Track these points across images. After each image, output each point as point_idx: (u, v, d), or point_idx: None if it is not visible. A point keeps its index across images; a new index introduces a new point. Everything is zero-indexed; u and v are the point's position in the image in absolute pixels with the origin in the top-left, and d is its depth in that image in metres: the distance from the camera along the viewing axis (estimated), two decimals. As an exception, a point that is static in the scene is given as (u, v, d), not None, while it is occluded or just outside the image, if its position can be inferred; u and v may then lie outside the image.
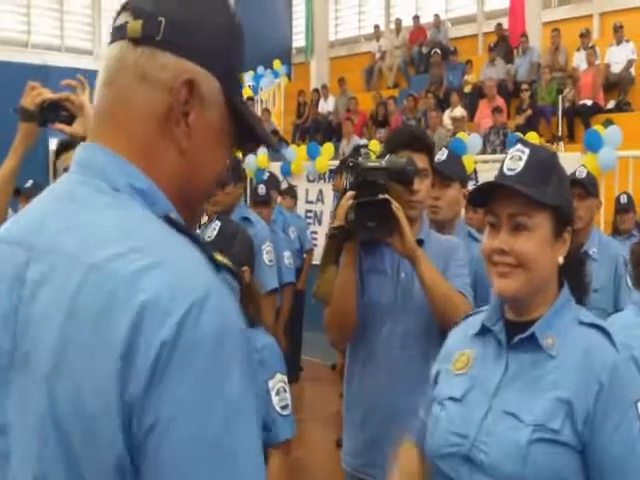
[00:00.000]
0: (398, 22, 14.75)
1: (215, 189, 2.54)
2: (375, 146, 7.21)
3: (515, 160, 1.51)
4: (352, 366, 2.47)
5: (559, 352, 1.48)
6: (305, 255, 6.95)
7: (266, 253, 3.67)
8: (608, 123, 8.52)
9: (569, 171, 3.50)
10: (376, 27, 15.20)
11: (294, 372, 6.41)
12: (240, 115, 0.96)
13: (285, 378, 2.31)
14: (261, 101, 14.32)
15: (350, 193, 2.29)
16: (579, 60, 11.00)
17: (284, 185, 7.99)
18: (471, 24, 14.78)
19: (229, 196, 3.58)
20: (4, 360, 0.85)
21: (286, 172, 9.99)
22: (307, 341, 7.04)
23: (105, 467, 0.77)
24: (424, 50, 13.72)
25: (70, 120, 2.18)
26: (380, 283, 2.40)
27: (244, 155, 9.16)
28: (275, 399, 2.25)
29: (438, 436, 1.57)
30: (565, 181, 1.59)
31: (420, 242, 2.36)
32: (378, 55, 14.50)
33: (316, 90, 14.12)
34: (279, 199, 6.79)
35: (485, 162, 8.11)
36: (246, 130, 0.98)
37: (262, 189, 5.51)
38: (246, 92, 13.51)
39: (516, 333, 1.53)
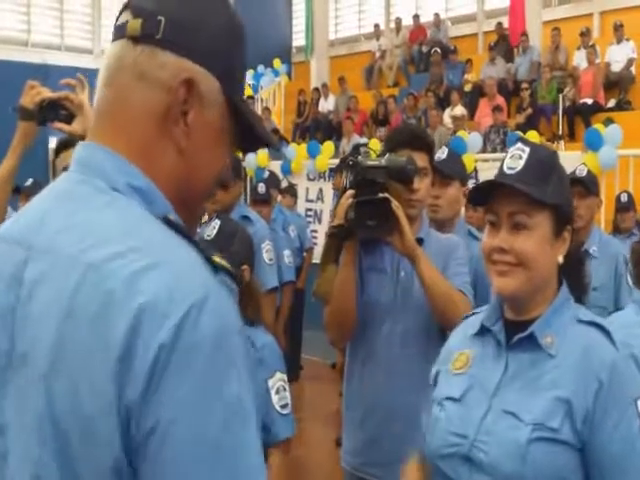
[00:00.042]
0: (398, 21, 14.75)
1: (215, 189, 2.54)
2: (375, 145, 7.21)
3: (515, 159, 1.51)
4: (352, 365, 2.47)
5: (558, 351, 1.48)
6: (305, 254, 6.95)
7: (266, 252, 3.67)
8: (608, 122, 8.52)
9: (569, 170, 3.52)
10: (376, 26, 15.19)
11: (294, 371, 6.42)
12: (240, 115, 0.95)
13: (285, 377, 2.31)
14: (261, 100, 14.31)
15: (350, 192, 2.29)
16: (579, 59, 10.99)
17: (284, 184, 7.99)
18: (471, 23, 14.78)
19: (229, 194, 3.58)
20: (2, 360, 0.85)
21: (286, 171, 9.99)
22: (307, 340, 7.04)
23: (102, 468, 0.77)
24: (424, 49, 13.72)
25: (69, 119, 2.17)
26: (380, 282, 2.40)
27: (244, 154, 9.15)
28: (275, 398, 2.25)
29: (437, 436, 1.57)
30: (565, 180, 1.59)
31: (420, 241, 2.36)
32: (378, 54, 14.50)
33: (316, 89, 14.12)
34: (279, 198, 6.79)
35: (485, 161, 8.11)
36: (247, 130, 0.97)
37: (262, 188, 5.51)
38: (246, 91, 13.49)
39: (515, 332, 1.53)
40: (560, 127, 10.07)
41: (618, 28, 10.94)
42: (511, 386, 1.50)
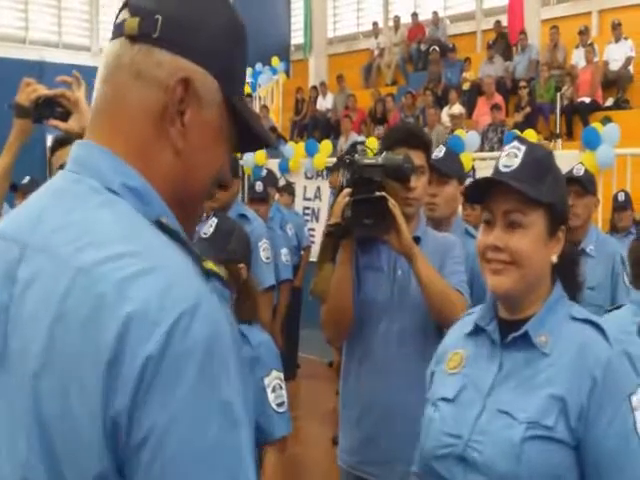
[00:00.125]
0: (396, 19, 14.76)
1: (214, 189, 2.54)
2: (373, 143, 7.21)
3: (511, 157, 1.51)
4: (348, 363, 2.47)
5: (552, 350, 1.48)
6: (303, 252, 6.95)
7: (263, 250, 3.66)
8: (606, 121, 8.52)
9: (567, 169, 3.53)
10: (374, 24, 15.19)
11: (291, 369, 6.41)
12: (239, 115, 0.95)
13: (281, 375, 2.30)
14: (259, 98, 14.31)
15: (346, 190, 2.28)
16: (578, 57, 10.99)
17: (282, 182, 7.99)
18: (470, 21, 14.78)
19: (227, 193, 3.57)
20: None
21: (284, 169, 9.99)
22: (304, 338, 7.04)
23: (87, 475, 0.76)
24: (422, 47, 13.72)
25: (65, 116, 2.16)
26: (377, 280, 2.40)
27: (242, 154, 9.16)
28: (271, 396, 2.24)
29: (432, 437, 1.57)
30: (560, 180, 1.59)
31: (417, 239, 2.36)
32: (376, 52, 14.50)
33: (314, 87, 14.11)
34: (277, 196, 6.78)
35: (483, 159, 8.11)
36: (245, 130, 0.97)
37: (259, 186, 5.51)
38: (244, 89, 13.48)
39: (509, 332, 1.53)
40: (558, 126, 10.08)
41: (616, 27, 10.95)
42: (505, 385, 1.50)
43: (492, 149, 9.29)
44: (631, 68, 10.75)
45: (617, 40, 10.96)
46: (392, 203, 2.22)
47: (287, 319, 5.64)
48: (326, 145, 10.07)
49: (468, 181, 3.70)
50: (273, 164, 9.67)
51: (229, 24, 0.94)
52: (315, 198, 9.94)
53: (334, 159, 7.79)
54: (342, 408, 2.51)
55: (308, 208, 9.93)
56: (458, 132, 8.96)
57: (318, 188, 9.85)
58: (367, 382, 2.38)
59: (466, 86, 11.81)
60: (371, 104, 12.58)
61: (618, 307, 2.47)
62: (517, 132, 7.60)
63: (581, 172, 3.53)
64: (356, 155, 2.32)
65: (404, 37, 14.33)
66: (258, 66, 14.94)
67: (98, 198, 0.86)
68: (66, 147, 2.35)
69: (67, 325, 0.78)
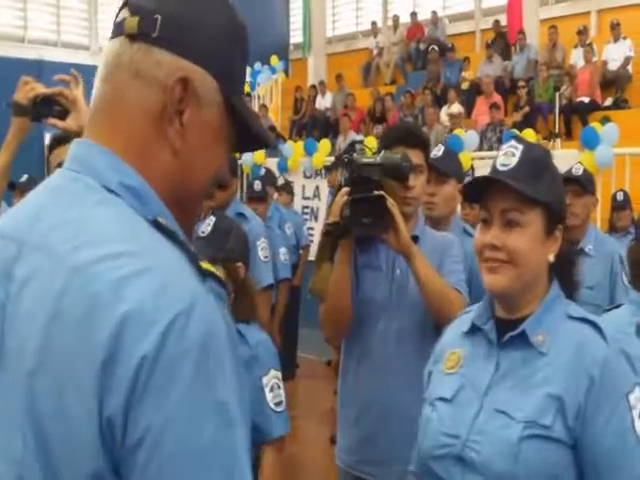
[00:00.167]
0: (395, 18, 14.75)
1: (213, 189, 2.53)
2: (372, 142, 7.20)
3: (508, 156, 1.51)
4: (347, 362, 2.47)
5: (550, 349, 1.48)
6: (301, 251, 6.95)
7: (261, 249, 3.66)
8: (605, 120, 8.52)
9: (566, 168, 3.53)
10: (373, 23, 15.19)
11: (290, 369, 6.41)
12: (238, 115, 0.94)
13: (279, 374, 2.30)
14: (258, 97, 14.29)
15: (345, 189, 2.28)
16: (576, 57, 11.00)
17: (280, 181, 7.99)
18: (468, 21, 14.77)
19: (225, 192, 3.57)
20: None
21: (283, 168, 9.99)
22: (303, 338, 7.04)
23: (82, 474, 0.76)
24: (421, 47, 13.71)
25: (63, 115, 2.16)
26: (375, 279, 2.40)
27: (241, 154, 9.16)
28: (269, 396, 2.24)
29: (429, 437, 1.57)
30: (558, 179, 1.59)
31: (415, 238, 2.36)
32: (375, 51, 14.49)
33: (313, 86, 14.11)
34: (275, 195, 6.79)
35: (482, 159, 8.11)
36: (244, 130, 0.96)
37: (258, 185, 5.51)
38: (244, 88, 13.48)
39: (506, 331, 1.53)
40: (557, 125, 10.08)
41: (615, 26, 10.95)
42: (503, 385, 1.50)
43: (491, 148, 9.29)
44: (630, 68, 10.75)
45: (616, 40, 10.96)
46: (390, 202, 2.22)
47: (286, 318, 5.64)
48: (325, 144, 10.07)
49: (467, 181, 3.72)
50: (272, 163, 9.66)
51: (229, 24, 0.94)
52: (314, 197, 9.94)
53: (333, 158, 7.78)
54: (340, 407, 2.50)
55: (307, 207, 9.93)
56: (457, 131, 8.96)
57: (317, 187, 9.84)
58: (365, 381, 2.38)
59: (465, 85, 11.81)
60: (370, 103, 12.58)
61: (617, 306, 2.47)
62: (516, 132, 7.60)
63: (580, 172, 3.53)
64: (354, 154, 2.31)
65: (403, 36, 14.33)
66: (257, 65, 14.92)
67: (95, 196, 0.86)
68: (64, 145, 2.35)
69: (62, 324, 0.78)
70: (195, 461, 0.75)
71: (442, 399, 1.58)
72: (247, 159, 9.90)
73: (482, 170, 7.37)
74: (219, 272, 0.91)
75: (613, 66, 10.78)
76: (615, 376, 1.44)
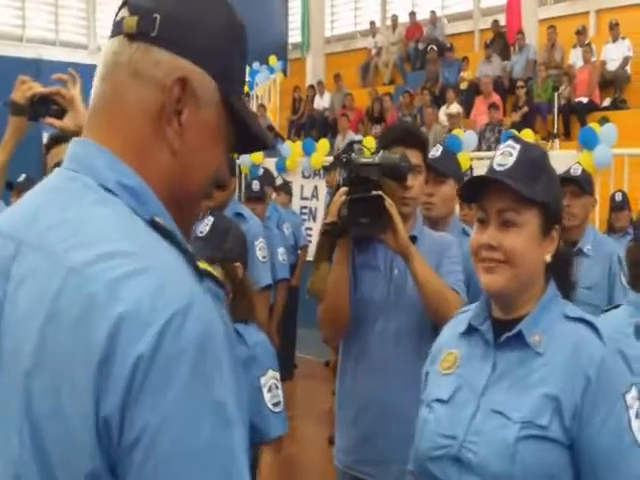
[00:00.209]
0: (394, 18, 14.75)
1: (211, 189, 2.53)
2: (370, 142, 7.20)
3: (506, 156, 1.51)
4: (345, 363, 2.47)
5: (546, 349, 1.48)
6: (300, 251, 6.94)
7: (259, 249, 3.66)
8: (604, 121, 8.53)
9: (564, 169, 3.53)
10: (372, 23, 15.19)
11: (288, 369, 6.41)
12: (237, 115, 0.94)
13: (277, 375, 2.30)
14: (256, 97, 14.29)
15: (343, 189, 2.28)
16: (575, 57, 11.01)
17: (279, 181, 7.99)
18: (467, 21, 14.77)
19: (224, 192, 3.56)
20: None
21: (281, 168, 9.98)
22: (301, 338, 7.03)
23: (79, 474, 0.76)
24: (420, 46, 13.72)
25: (61, 114, 2.16)
26: (373, 279, 2.40)
27: (239, 155, 9.15)
28: (267, 396, 2.24)
29: (426, 438, 1.57)
30: (554, 180, 1.59)
31: (413, 239, 2.36)
32: (374, 51, 14.50)
33: (312, 86, 14.11)
34: (274, 195, 6.78)
35: (480, 159, 8.11)
36: (243, 130, 0.96)
37: (256, 185, 5.51)
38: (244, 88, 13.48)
39: (503, 331, 1.53)
40: (555, 125, 10.09)
41: (614, 26, 10.96)
42: (499, 385, 1.50)
43: (489, 149, 9.29)
44: (628, 68, 10.76)
45: (614, 40, 10.97)
46: (389, 202, 2.22)
47: (284, 318, 5.64)
48: (323, 144, 10.07)
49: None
50: (270, 163, 9.66)
51: (227, 23, 0.94)
52: (312, 197, 9.94)
53: (331, 158, 7.77)
54: (338, 407, 2.50)
55: (305, 207, 9.93)
56: (456, 131, 8.96)
57: (315, 187, 9.84)
58: (363, 381, 2.38)
59: (464, 85, 11.81)
60: (368, 103, 12.58)
61: (615, 307, 2.47)
62: (514, 132, 7.60)
63: (578, 172, 3.53)
64: (353, 154, 2.31)
65: (402, 36, 14.33)
66: (255, 65, 14.92)
67: (92, 196, 0.86)
68: (61, 145, 2.35)
69: (59, 325, 0.78)
70: (192, 461, 0.75)
71: (439, 400, 1.58)
72: (245, 159, 9.89)
73: (481, 170, 7.33)
74: (217, 272, 0.90)
75: (612, 66, 10.79)
76: (612, 376, 1.44)
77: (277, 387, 2.27)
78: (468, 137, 8.58)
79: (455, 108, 10.86)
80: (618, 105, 10.38)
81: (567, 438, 1.42)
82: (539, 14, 12.39)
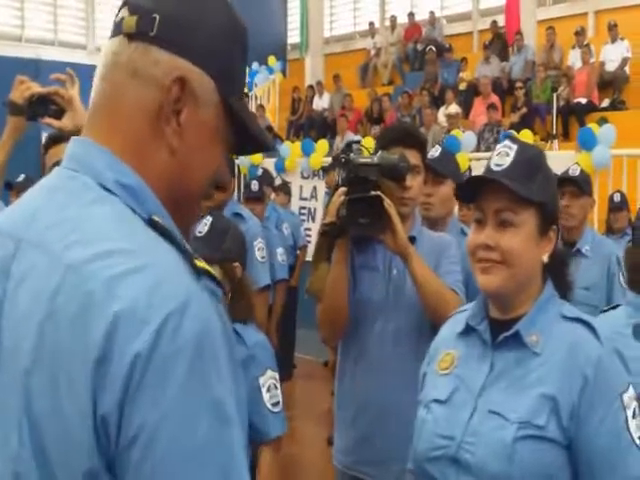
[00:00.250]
0: (393, 19, 14.76)
1: (211, 189, 2.53)
2: (369, 143, 7.20)
3: (502, 156, 1.51)
4: (344, 363, 2.47)
5: (544, 349, 1.48)
6: (299, 252, 6.94)
7: (258, 250, 3.66)
8: (602, 121, 8.54)
9: (563, 169, 3.53)
10: (371, 24, 15.20)
11: (287, 369, 6.40)
12: (236, 115, 0.94)
13: (276, 375, 2.30)
14: (256, 97, 14.29)
15: (342, 189, 2.28)
16: (574, 58, 11.01)
17: (278, 181, 7.98)
18: (466, 21, 14.79)
19: (223, 192, 3.56)
20: None
21: (280, 168, 9.98)
22: (300, 338, 7.03)
23: (77, 472, 0.76)
24: (419, 47, 13.73)
25: (59, 114, 2.16)
26: (372, 280, 2.40)
27: (238, 156, 9.15)
28: (266, 396, 2.24)
29: (424, 439, 1.57)
30: (551, 180, 1.59)
31: (412, 239, 2.36)
32: (373, 52, 14.50)
33: (311, 86, 14.11)
34: (273, 195, 6.78)
35: (479, 160, 8.11)
36: (242, 130, 0.96)
37: (255, 185, 5.50)
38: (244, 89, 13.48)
39: (501, 331, 1.53)
40: (554, 126, 10.09)
41: (612, 27, 10.96)
42: (497, 385, 1.50)
43: (488, 149, 9.28)
44: (627, 69, 10.77)
45: (613, 41, 10.98)
46: (387, 202, 2.22)
47: (283, 319, 5.64)
48: (322, 145, 10.07)
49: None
50: (269, 163, 9.66)
51: (228, 24, 0.94)
52: (311, 198, 9.94)
53: (330, 159, 7.77)
54: (337, 408, 2.50)
55: (304, 208, 9.92)
56: (454, 132, 8.96)
57: (314, 188, 9.84)
58: (362, 382, 2.38)
59: (462, 86, 11.82)
60: (367, 104, 12.58)
61: (614, 307, 2.47)
62: (513, 132, 7.60)
63: (577, 173, 3.53)
64: (352, 154, 2.31)
65: (400, 37, 14.34)
66: (254, 65, 14.92)
67: (91, 195, 0.86)
68: (60, 145, 2.34)
69: (57, 323, 0.78)
70: (189, 459, 0.75)
71: (437, 401, 1.58)
72: (244, 159, 9.89)
73: (479, 171, 7.34)
74: (216, 272, 0.90)
75: (610, 67, 10.80)
76: (609, 376, 1.44)
77: (276, 387, 2.27)
78: (467, 138, 8.59)
79: (454, 109, 10.86)
80: (617, 106, 10.38)
81: (565, 438, 1.42)
82: (538, 15, 12.39)
